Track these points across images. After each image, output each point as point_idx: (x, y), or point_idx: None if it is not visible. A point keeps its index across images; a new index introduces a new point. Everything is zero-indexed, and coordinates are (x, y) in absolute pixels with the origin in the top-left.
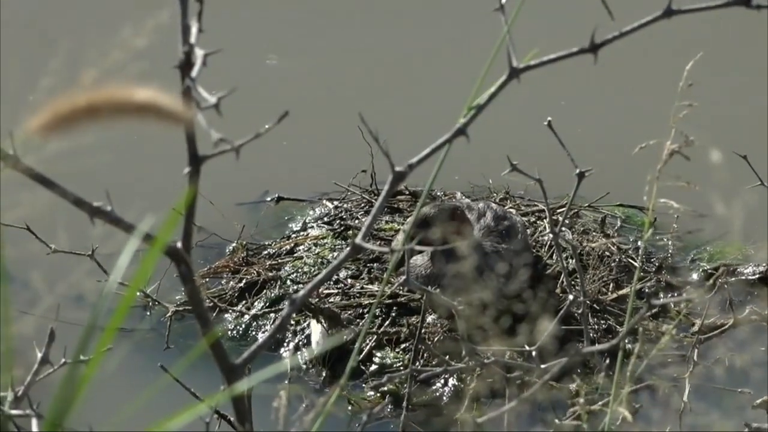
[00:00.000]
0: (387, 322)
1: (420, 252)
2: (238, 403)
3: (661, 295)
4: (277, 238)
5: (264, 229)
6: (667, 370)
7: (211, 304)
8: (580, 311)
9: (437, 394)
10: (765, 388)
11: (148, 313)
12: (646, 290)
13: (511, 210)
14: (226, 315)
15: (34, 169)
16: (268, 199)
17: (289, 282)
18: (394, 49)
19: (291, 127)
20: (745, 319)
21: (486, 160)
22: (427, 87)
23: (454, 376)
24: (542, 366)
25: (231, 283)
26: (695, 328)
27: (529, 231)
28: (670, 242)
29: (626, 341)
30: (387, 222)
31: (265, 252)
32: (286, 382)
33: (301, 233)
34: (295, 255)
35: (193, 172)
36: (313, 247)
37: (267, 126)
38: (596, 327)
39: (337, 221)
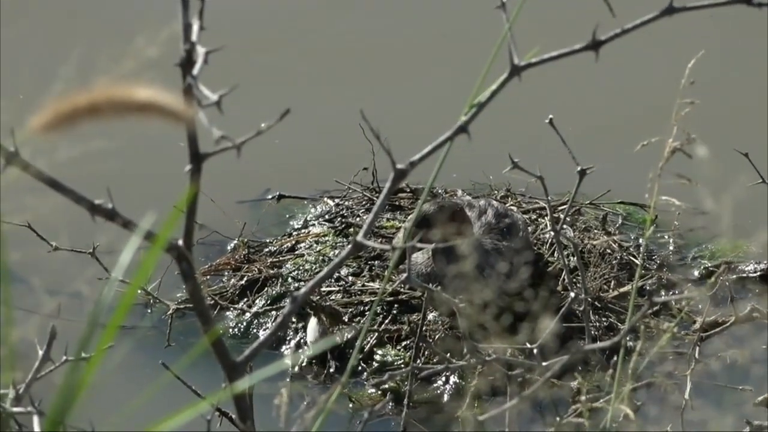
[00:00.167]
0: (388, 320)
1: (421, 249)
2: (240, 401)
3: (662, 293)
4: (278, 235)
5: (265, 226)
6: (668, 367)
7: (212, 301)
8: (581, 309)
9: (438, 391)
10: (766, 385)
11: (149, 311)
12: (648, 288)
13: (513, 207)
14: (227, 313)
15: (38, 169)
16: (270, 196)
17: (290, 280)
18: (395, 46)
19: (292, 124)
20: (746, 316)
21: (487, 158)
22: (429, 84)
23: (456, 373)
24: (543, 364)
25: (232, 280)
26: (696, 326)
27: (530, 228)
28: (671, 240)
29: (627, 339)
30: (388, 219)
31: (267, 249)
32: (288, 379)
33: (303, 231)
34: (296, 253)
35: (194, 169)
36: (315, 245)
37: (267, 123)
38: (597, 324)
39: (339, 219)
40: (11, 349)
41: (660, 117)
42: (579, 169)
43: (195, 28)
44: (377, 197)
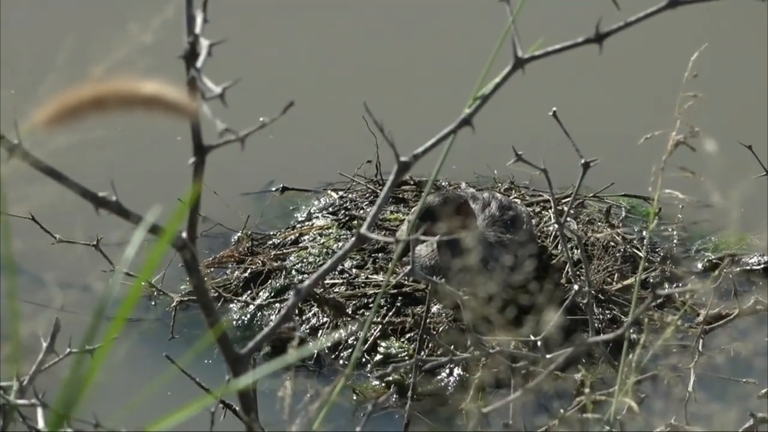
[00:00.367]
0: (392, 312)
1: (425, 242)
2: (244, 394)
3: (666, 286)
4: (282, 228)
5: (269, 219)
6: (671, 360)
7: (216, 294)
8: (585, 301)
9: (442, 383)
10: None
11: (153, 303)
12: (651, 280)
13: (516, 200)
14: (231, 305)
15: (41, 160)
16: (273, 189)
17: (294, 272)
18: (398, 38)
19: (296, 117)
20: (750, 309)
21: (491, 150)
22: (432, 77)
23: (460, 366)
24: (547, 356)
25: (236, 273)
26: (700, 318)
27: (534, 221)
28: (674, 232)
29: (631, 331)
30: (392, 212)
31: (270, 242)
32: (291, 372)
33: (306, 223)
34: (300, 245)
35: (198, 162)
36: (318, 237)
37: (269, 117)
38: (601, 317)
39: (342, 211)
40: (17, 342)
41: (663, 110)
42: (582, 161)
43: (199, 20)
44: (381, 190)
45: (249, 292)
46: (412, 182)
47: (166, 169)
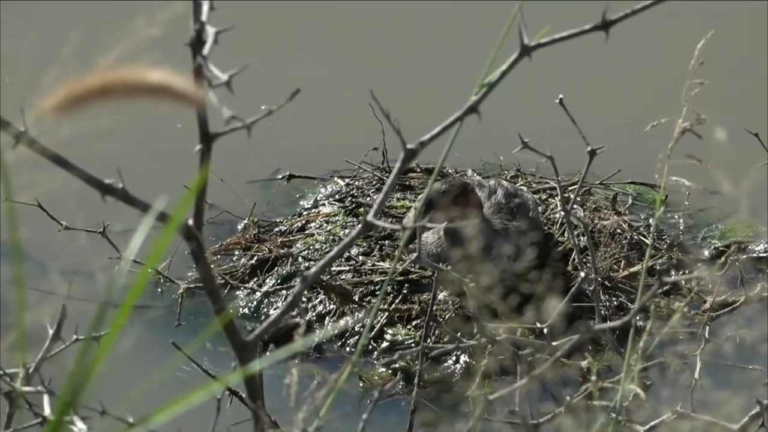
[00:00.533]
0: (398, 299)
1: (431, 229)
2: (250, 380)
3: (673, 273)
4: (288, 215)
5: (275, 206)
6: (678, 347)
7: (223, 281)
8: (591, 288)
9: (448, 371)
10: None
11: (160, 291)
12: (658, 267)
13: (523, 187)
14: (237, 292)
15: (48, 148)
16: (280, 176)
17: (300, 259)
18: (405, 26)
19: (302, 104)
20: (756, 296)
21: (497, 138)
22: (439, 64)
23: (466, 353)
24: (553, 343)
25: (242, 260)
26: (706, 306)
27: (540, 208)
28: (681, 220)
29: (637, 318)
30: (398, 199)
31: (277, 229)
32: (298, 359)
33: (313, 210)
34: (306, 232)
35: (204, 149)
36: (325, 225)
37: (275, 104)
38: (608, 304)
39: (349, 198)
40: (23, 330)
41: (670, 97)
42: (589, 149)
43: (205, 7)
44: (387, 177)
45: (255, 279)
46: (418, 169)
47: (172, 156)
